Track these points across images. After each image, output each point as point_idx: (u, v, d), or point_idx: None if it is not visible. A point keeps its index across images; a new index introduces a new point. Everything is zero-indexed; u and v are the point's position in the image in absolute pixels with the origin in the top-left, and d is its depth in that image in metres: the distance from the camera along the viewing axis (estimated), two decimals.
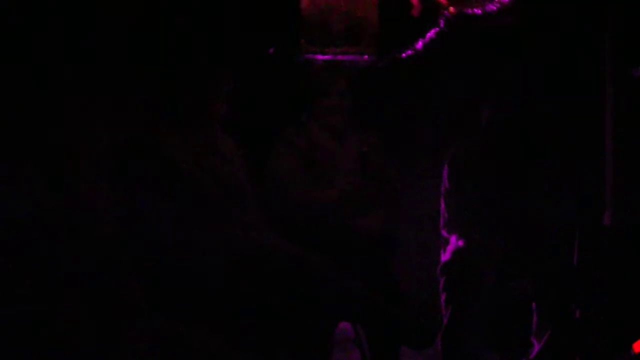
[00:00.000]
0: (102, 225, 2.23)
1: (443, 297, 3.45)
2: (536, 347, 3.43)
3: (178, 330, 2.28)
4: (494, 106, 3.59)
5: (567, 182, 3.51)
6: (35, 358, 1.97)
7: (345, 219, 3.40)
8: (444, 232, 3.61)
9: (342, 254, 3.05)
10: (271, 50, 4.03)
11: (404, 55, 3.96)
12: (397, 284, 3.40)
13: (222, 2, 3.88)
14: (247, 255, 2.71)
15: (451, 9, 3.70)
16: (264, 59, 4.01)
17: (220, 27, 3.81)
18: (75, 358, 2.02)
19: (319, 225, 3.32)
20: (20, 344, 1.96)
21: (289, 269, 2.72)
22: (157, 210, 2.61)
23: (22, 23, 2.15)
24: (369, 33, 4.01)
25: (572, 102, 3.62)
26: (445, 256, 3.56)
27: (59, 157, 2.20)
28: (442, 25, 3.70)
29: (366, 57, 4.01)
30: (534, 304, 3.45)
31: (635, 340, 3.14)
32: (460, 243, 3.49)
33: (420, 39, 3.87)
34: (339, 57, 3.97)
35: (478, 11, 3.65)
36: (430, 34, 3.78)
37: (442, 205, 3.63)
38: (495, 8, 3.62)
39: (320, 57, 3.96)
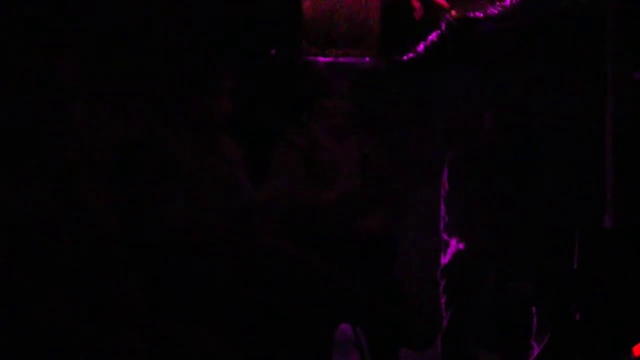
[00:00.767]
0: (102, 224, 2.23)
1: (443, 298, 3.45)
2: (536, 349, 3.44)
3: (178, 330, 2.28)
4: (494, 108, 3.60)
5: (568, 184, 3.52)
6: (35, 358, 1.98)
7: (346, 220, 3.40)
8: (444, 235, 3.61)
9: (342, 255, 3.05)
10: (273, 51, 4.03)
11: (405, 57, 3.98)
12: (397, 285, 3.39)
13: (225, 3, 3.90)
14: (247, 255, 2.71)
15: (453, 12, 3.71)
16: (266, 60, 4.02)
17: (222, 28, 3.82)
18: (75, 358, 2.02)
19: (319, 226, 3.32)
20: (20, 344, 1.96)
21: (289, 269, 2.71)
22: (157, 210, 2.61)
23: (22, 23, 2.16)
24: (371, 35, 4.02)
25: (572, 102, 3.63)
26: (445, 258, 3.56)
27: (59, 157, 2.20)
28: (443, 28, 3.72)
29: (368, 59, 4.02)
30: (534, 307, 3.46)
31: (635, 342, 3.14)
32: (461, 245, 3.50)
33: (422, 42, 3.89)
34: (341, 59, 3.98)
35: (479, 14, 3.67)
36: (432, 36, 3.79)
37: (442, 207, 3.64)
38: (496, 11, 3.63)
39: (321, 58, 3.97)
